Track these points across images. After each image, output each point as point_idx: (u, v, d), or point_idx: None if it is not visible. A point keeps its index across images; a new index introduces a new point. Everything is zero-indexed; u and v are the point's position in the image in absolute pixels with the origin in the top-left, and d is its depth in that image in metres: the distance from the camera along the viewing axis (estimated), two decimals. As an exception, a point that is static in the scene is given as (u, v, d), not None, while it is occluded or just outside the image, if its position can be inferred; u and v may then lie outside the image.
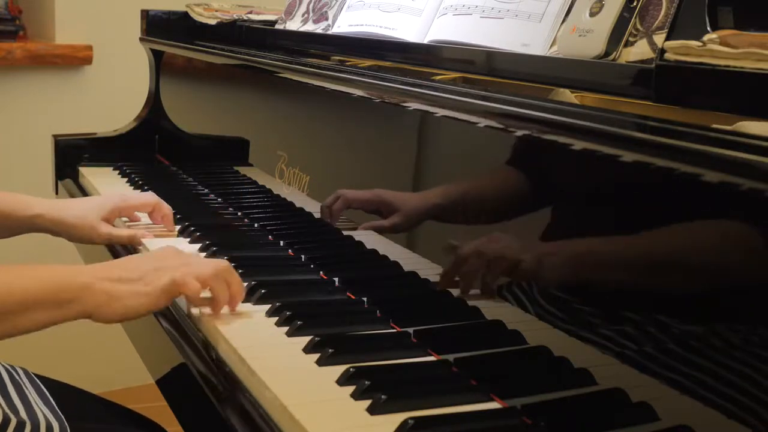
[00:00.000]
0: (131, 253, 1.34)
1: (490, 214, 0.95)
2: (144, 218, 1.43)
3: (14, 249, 2.38)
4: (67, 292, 0.95)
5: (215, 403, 0.89)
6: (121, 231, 1.35)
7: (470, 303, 0.94)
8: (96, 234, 1.32)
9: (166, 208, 1.40)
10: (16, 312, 0.92)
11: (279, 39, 1.59)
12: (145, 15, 1.98)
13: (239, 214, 1.50)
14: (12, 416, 1.03)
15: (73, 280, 0.96)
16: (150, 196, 1.43)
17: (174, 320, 1.07)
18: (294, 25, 1.60)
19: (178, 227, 1.40)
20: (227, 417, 0.87)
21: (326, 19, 1.50)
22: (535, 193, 0.88)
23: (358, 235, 1.16)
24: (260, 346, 0.95)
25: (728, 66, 0.73)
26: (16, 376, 1.16)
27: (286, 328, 0.99)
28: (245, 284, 1.11)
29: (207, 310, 1.03)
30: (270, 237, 1.36)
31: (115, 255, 1.36)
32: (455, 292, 0.97)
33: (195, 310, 1.03)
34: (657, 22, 0.87)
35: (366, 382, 0.83)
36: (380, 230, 1.10)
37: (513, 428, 0.79)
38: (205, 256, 1.25)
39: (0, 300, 0.91)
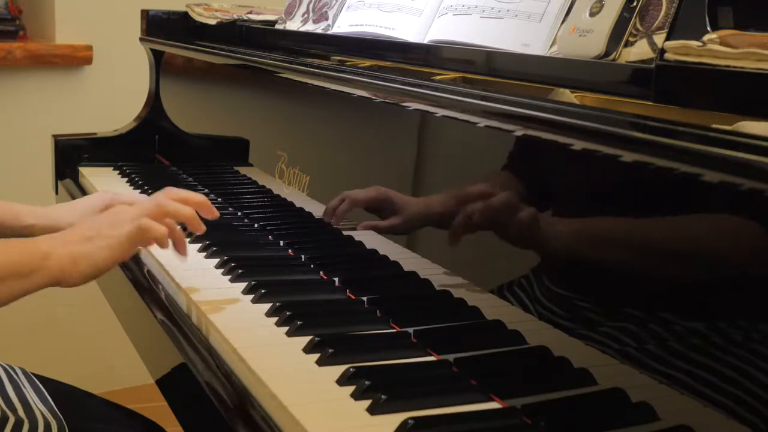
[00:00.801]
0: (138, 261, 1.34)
1: (490, 215, 0.95)
2: None
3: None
4: (28, 263, 0.97)
5: (215, 403, 0.89)
6: None
7: (470, 303, 0.95)
8: None
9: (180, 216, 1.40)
10: None
11: (279, 39, 1.59)
12: (145, 15, 1.98)
13: (239, 214, 1.50)
14: (10, 414, 1.03)
15: (34, 250, 0.98)
16: (141, 196, 1.43)
17: (174, 320, 1.07)
18: (294, 25, 1.60)
19: (177, 227, 1.39)
20: (227, 417, 0.87)
21: (326, 19, 1.50)
22: (534, 193, 0.88)
23: (358, 235, 1.16)
24: (260, 345, 0.95)
25: (728, 66, 0.73)
26: (15, 376, 1.16)
27: (286, 328, 0.99)
28: (245, 284, 1.11)
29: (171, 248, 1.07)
30: (270, 237, 1.36)
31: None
32: (455, 291, 0.97)
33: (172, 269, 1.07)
34: (657, 22, 0.87)
35: (366, 382, 0.83)
36: (379, 230, 1.10)
37: (513, 428, 0.79)
38: (205, 257, 1.25)
39: None
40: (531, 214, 0.86)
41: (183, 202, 1.08)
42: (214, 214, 1.12)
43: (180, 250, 1.09)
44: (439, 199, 1.03)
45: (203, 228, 1.09)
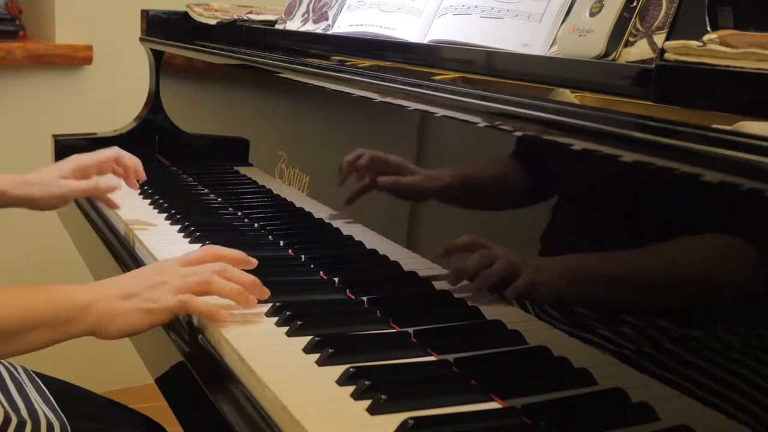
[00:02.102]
0: (134, 257, 1.34)
1: (491, 216, 0.95)
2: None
3: (18, 257, 2.39)
4: (68, 311, 0.95)
5: (215, 403, 0.89)
6: (79, 183, 1.38)
7: (470, 303, 0.94)
8: (56, 196, 1.36)
9: (129, 159, 1.41)
10: (17, 333, 0.93)
11: (279, 39, 1.59)
12: (145, 15, 1.98)
13: (239, 214, 1.50)
14: (13, 415, 1.03)
15: (74, 299, 0.96)
16: (109, 150, 1.44)
17: (173, 320, 1.07)
18: (294, 25, 1.60)
19: (177, 227, 1.40)
20: (227, 417, 0.87)
21: (326, 19, 1.50)
22: (534, 193, 0.88)
23: (358, 235, 1.16)
24: (260, 345, 0.95)
25: (728, 66, 0.73)
26: (17, 375, 1.16)
27: (286, 328, 0.99)
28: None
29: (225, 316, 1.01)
30: (270, 237, 1.36)
31: (117, 257, 1.36)
32: (455, 292, 0.97)
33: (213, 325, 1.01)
34: (657, 22, 0.87)
35: (366, 382, 0.83)
36: (399, 186, 1.08)
37: (513, 428, 0.79)
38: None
39: (3, 319, 0.92)
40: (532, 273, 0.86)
41: (221, 259, 1.04)
42: (251, 263, 1.07)
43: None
44: (449, 172, 1.02)
45: (266, 294, 1.05)
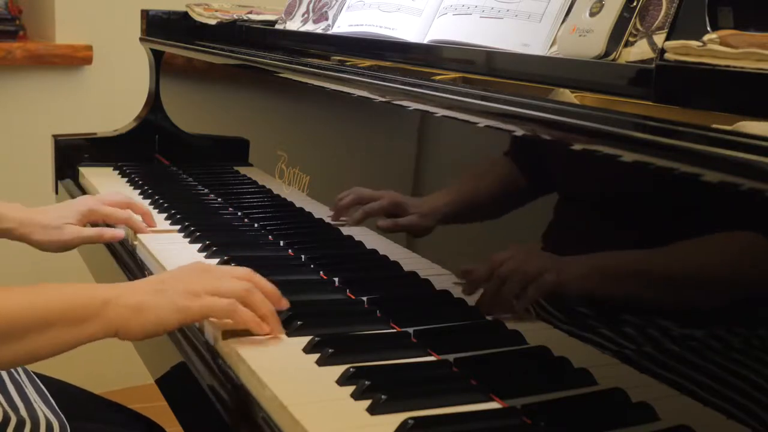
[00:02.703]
0: (136, 259, 1.34)
1: (491, 216, 0.95)
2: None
3: (17, 258, 2.38)
4: (83, 308, 0.91)
5: (215, 403, 0.89)
6: (88, 231, 1.35)
7: (470, 303, 0.94)
8: (59, 243, 1.33)
9: (139, 208, 1.40)
10: (35, 330, 0.88)
11: (279, 39, 1.59)
12: (145, 15, 1.98)
13: (239, 214, 1.50)
14: (12, 414, 1.03)
15: (91, 295, 0.92)
16: (120, 202, 1.41)
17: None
18: (294, 25, 1.60)
19: (177, 227, 1.40)
20: (227, 417, 0.87)
21: (326, 19, 1.50)
22: (533, 193, 0.88)
23: (358, 235, 1.16)
24: (260, 345, 0.95)
25: (728, 66, 0.73)
26: (16, 375, 1.16)
27: (286, 329, 0.98)
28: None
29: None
30: (270, 237, 1.36)
31: (119, 260, 1.36)
32: (455, 292, 0.97)
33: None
34: (657, 22, 0.87)
35: (366, 382, 0.83)
36: (399, 227, 1.08)
37: (513, 428, 0.79)
38: (205, 257, 1.25)
39: (20, 317, 0.88)
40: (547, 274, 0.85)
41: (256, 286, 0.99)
42: (282, 304, 1.01)
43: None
44: (442, 197, 1.02)
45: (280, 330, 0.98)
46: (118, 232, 1.36)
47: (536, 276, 0.85)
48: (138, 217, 1.40)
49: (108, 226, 1.39)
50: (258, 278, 1.00)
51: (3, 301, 0.88)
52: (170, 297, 0.93)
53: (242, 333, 0.96)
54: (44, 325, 0.89)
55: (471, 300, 0.94)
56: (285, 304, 1.00)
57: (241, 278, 0.98)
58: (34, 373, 1.20)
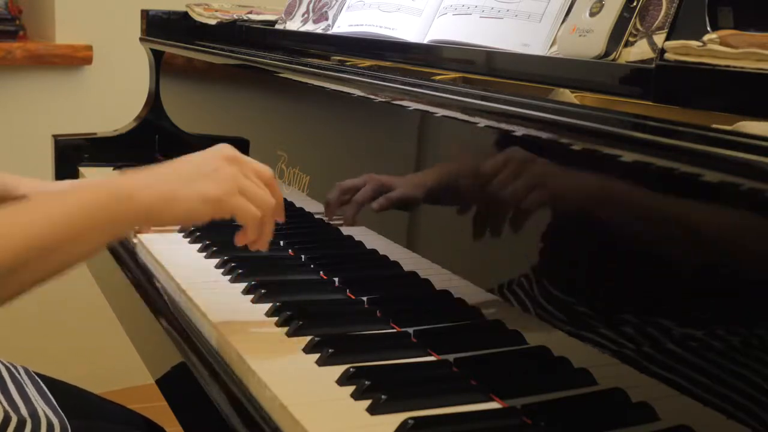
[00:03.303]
0: (131, 260, 1.34)
1: (491, 216, 0.95)
2: None
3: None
4: (110, 209, 0.87)
5: (215, 403, 0.89)
6: None
7: (470, 303, 0.95)
8: None
9: None
10: (65, 241, 0.85)
11: (279, 39, 1.59)
12: (145, 15, 1.98)
13: (239, 214, 1.50)
14: (13, 414, 1.03)
15: (116, 193, 0.88)
16: None
17: (173, 319, 1.07)
18: (294, 25, 1.60)
19: (177, 227, 1.40)
20: (227, 417, 0.87)
21: (326, 19, 1.50)
22: (533, 193, 0.88)
23: (358, 235, 1.16)
24: (260, 345, 0.95)
25: (728, 66, 0.73)
26: (17, 375, 1.16)
27: (286, 328, 0.99)
28: (245, 284, 1.11)
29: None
30: (270, 237, 1.36)
31: (120, 260, 1.36)
32: (455, 292, 0.97)
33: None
34: (657, 22, 0.87)
35: (366, 382, 0.83)
36: (390, 201, 1.08)
37: (513, 428, 0.79)
38: (205, 257, 1.25)
39: (50, 231, 0.84)
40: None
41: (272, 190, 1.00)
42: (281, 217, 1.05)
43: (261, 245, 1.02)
44: (433, 174, 1.02)
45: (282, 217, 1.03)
46: None
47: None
48: None
49: None
50: (276, 187, 1.01)
51: (36, 214, 0.86)
52: (203, 188, 0.92)
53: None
54: (71, 237, 0.86)
55: (470, 300, 0.94)
56: (283, 218, 1.04)
57: (265, 181, 0.98)
58: (35, 372, 1.21)
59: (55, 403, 1.12)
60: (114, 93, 2.48)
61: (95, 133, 1.98)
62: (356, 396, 0.82)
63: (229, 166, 0.95)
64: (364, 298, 1.08)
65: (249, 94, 1.62)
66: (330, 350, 0.91)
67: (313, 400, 0.82)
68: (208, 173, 0.93)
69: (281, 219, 1.03)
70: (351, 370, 0.86)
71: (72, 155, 1.91)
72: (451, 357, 0.91)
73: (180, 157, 0.98)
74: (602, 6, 0.92)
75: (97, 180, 0.92)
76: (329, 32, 1.45)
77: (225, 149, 0.98)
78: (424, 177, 1.04)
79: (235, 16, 1.80)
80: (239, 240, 1.00)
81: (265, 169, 1.00)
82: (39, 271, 0.85)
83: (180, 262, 1.19)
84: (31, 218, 0.85)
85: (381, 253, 1.11)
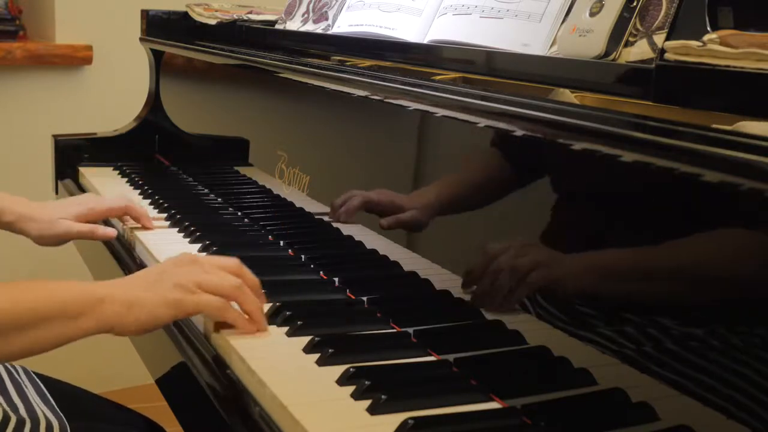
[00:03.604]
0: (128, 251, 1.34)
1: (491, 216, 0.95)
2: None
3: (15, 256, 2.39)
4: (79, 304, 0.92)
5: (215, 403, 0.89)
6: (77, 226, 1.37)
7: (470, 303, 0.94)
8: (53, 236, 1.35)
9: (136, 211, 1.40)
10: (22, 328, 0.89)
11: (279, 39, 1.59)
12: (145, 15, 1.98)
13: (239, 214, 1.50)
14: (12, 414, 1.03)
15: (86, 291, 0.93)
16: (119, 203, 1.42)
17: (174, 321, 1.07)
18: (294, 25, 1.60)
19: (177, 227, 1.40)
20: (227, 417, 0.87)
21: (326, 19, 1.50)
22: (534, 194, 0.88)
23: (358, 235, 1.16)
24: (260, 345, 0.95)
25: (728, 66, 0.73)
26: (16, 375, 1.16)
27: (286, 328, 0.98)
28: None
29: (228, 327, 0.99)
30: (270, 237, 1.36)
31: (118, 258, 1.36)
32: (455, 292, 0.97)
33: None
34: (657, 22, 0.87)
35: (366, 382, 0.83)
36: (400, 223, 1.08)
37: (513, 428, 0.79)
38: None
39: (19, 311, 0.89)
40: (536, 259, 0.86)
41: (242, 278, 1.00)
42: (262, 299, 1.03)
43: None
44: (436, 189, 1.02)
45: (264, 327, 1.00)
46: (111, 231, 1.38)
47: (533, 271, 0.85)
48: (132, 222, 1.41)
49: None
50: (245, 271, 1.01)
51: (2, 296, 0.90)
52: (162, 292, 0.95)
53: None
54: (42, 320, 0.90)
55: (471, 299, 0.94)
56: (263, 299, 1.02)
57: (230, 271, 0.99)
58: (34, 372, 1.21)
59: (54, 403, 1.12)
60: (114, 93, 2.48)
61: (95, 133, 1.98)
62: (356, 396, 0.82)
63: (188, 267, 0.98)
64: (364, 298, 1.08)
65: (249, 94, 1.62)
66: (330, 350, 0.91)
67: (313, 400, 0.82)
68: (165, 279, 0.96)
69: (262, 300, 1.02)
70: (351, 370, 0.86)
71: (72, 155, 1.92)
72: (451, 357, 0.90)
73: (143, 269, 1.03)
74: (602, 6, 0.92)
75: (79, 282, 0.96)
76: (329, 32, 1.45)
77: (184, 256, 1.02)
78: (428, 194, 1.03)
79: (235, 16, 1.80)
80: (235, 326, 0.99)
81: (230, 261, 1.01)
82: (5, 346, 0.89)
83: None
84: (19, 293, 0.91)
85: (381, 253, 1.11)
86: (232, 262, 1.01)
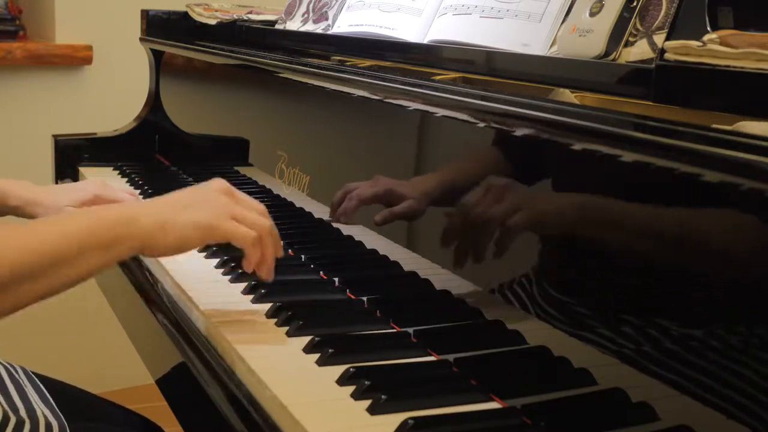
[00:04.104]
0: (132, 259, 1.34)
1: (491, 216, 0.95)
2: None
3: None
4: (116, 229, 0.92)
5: (215, 403, 0.89)
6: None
7: (470, 303, 0.95)
8: None
9: None
10: (71, 257, 0.90)
11: (279, 39, 1.59)
12: (145, 15, 1.98)
13: (239, 214, 1.50)
14: (12, 415, 1.03)
15: (119, 216, 0.93)
16: (124, 193, 1.42)
17: (174, 320, 1.07)
18: (294, 25, 1.60)
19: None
20: (227, 417, 0.87)
21: (326, 19, 1.50)
22: (534, 194, 0.88)
23: (358, 235, 1.16)
24: (260, 345, 0.95)
25: (728, 66, 0.73)
26: (15, 375, 1.16)
27: (286, 328, 0.99)
28: (245, 284, 1.11)
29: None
30: (270, 237, 1.36)
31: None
32: (455, 291, 0.97)
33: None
34: (657, 22, 0.87)
35: (366, 382, 0.83)
36: (395, 215, 1.08)
37: (513, 428, 0.79)
38: (205, 257, 1.25)
39: (57, 246, 0.89)
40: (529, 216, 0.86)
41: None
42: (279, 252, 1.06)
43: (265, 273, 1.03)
44: (441, 177, 1.03)
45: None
46: None
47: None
48: None
49: None
50: (271, 221, 1.02)
51: (40, 234, 0.90)
52: (195, 215, 0.95)
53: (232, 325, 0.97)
54: (78, 252, 0.90)
55: (470, 300, 0.94)
56: (281, 253, 1.03)
57: (259, 213, 1.00)
58: (34, 373, 1.21)
59: (53, 403, 1.12)
60: (114, 93, 2.48)
61: (95, 133, 1.98)
62: (356, 396, 0.82)
63: (222, 196, 0.99)
64: (364, 298, 1.08)
65: (249, 94, 1.62)
66: (330, 350, 0.91)
67: (313, 400, 0.82)
68: (200, 203, 0.97)
69: (279, 254, 1.03)
70: (351, 370, 0.86)
71: (72, 155, 1.92)
72: (451, 357, 0.90)
73: (176, 190, 1.02)
74: (602, 6, 0.92)
75: (105, 206, 0.95)
76: (329, 32, 1.45)
77: (218, 183, 1.02)
78: (425, 182, 1.04)
79: (235, 16, 1.80)
80: (245, 265, 1.01)
81: (259, 204, 1.02)
82: (42, 285, 0.89)
83: (180, 261, 1.18)
84: (47, 230, 0.92)
85: (381, 253, 1.11)
86: (262, 206, 1.02)
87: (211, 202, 0.97)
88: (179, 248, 0.96)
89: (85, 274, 0.92)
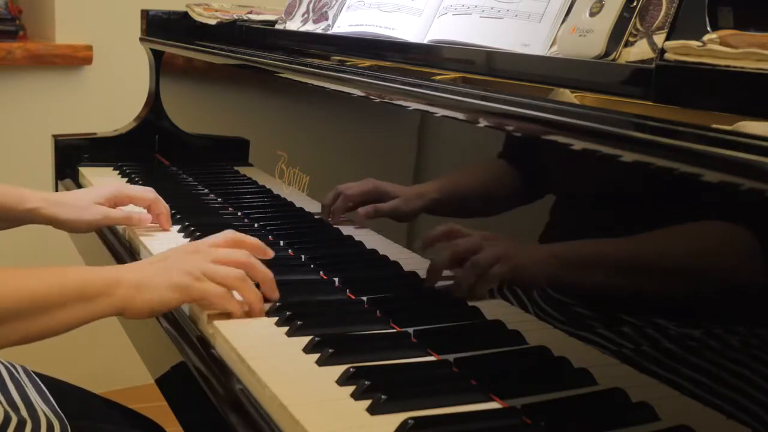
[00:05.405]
0: (130, 253, 1.34)
1: (489, 215, 0.95)
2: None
3: (13, 242, 2.39)
4: (93, 287, 0.95)
5: (215, 403, 0.89)
6: (116, 212, 1.36)
7: (470, 303, 0.94)
8: (88, 222, 1.34)
9: (163, 207, 1.40)
10: (42, 310, 0.93)
11: (279, 39, 1.59)
12: (145, 15, 1.98)
13: (239, 214, 1.50)
14: (13, 414, 1.03)
15: (103, 274, 0.97)
16: (148, 192, 1.42)
17: (174, 320, 1.07)
18: (294, 25, 1.60)
19: (177, 227, 1.40)
20: (227, 417, 0.87)
21: (326, 19, 1.50)
22: (534, 193, 0.88)
23: (358, 235, 1.16)
24: (260, 345, 0.95)
25: (728, 66, 0.73)
26: (16, 374, 1.16)
27: (286, 328, 0.99)
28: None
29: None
30: (270, 237, 1.36)
31: (117, 256, 1.36)
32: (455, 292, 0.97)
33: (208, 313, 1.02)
34: (657, 22, 0.87)
35: (366, 382, 0.83)
36: (379, 212, 1.09)
37: (513, 428, 0.79)
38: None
39: (39, 295, 0.93)
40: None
41: (242, 246, 1.06)
42: (267, 254, 1.09)
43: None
44: (433, 185, 1.03)
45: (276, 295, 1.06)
46: (146, 215, 1.37)
47: (539, 269, 0.86)
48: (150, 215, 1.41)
49: None
50: (253, 262, 1.04)
51: (23, 280, 0.94)
52: (172, 277, 0.98)
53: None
54: (59, 304, 0.94)
55: (470, 300, 0.94)
56: (270, 253, 1.08)
57: (239, 263, 1.03)
58: (35, 373, 1.21)
59: (54, 403, 1.12)
60: (114, 93, 2.48)
61: (95, 133, 1.98)
62: (356, 396, 0.82)
63: (192, 256, 1.02)
64: (364, 298, 1.08)
65: (249, 94, 1.62)
66: (330, 350, 0.91)
67: (313, 400, 0.82)
68: (175, 264, 1.00)
69: (273, 296, 1.05)
70: (351, 370, 0.86)
71: (72, 155, 1.91)
72: (451, 357, 0.91)
73: (152, 256, 1.08)
74: (602, 6, 0.92)
75: (90, 267, 1.02)
76: (329, 32, 1.45)
77: (192, 244, 1.07)
78: (424, 185, 1.04)
79: (235, 16, 1.80)
80: (234, 316, 1.02)
81: (239, 253, 1.04)
82: (24, 328, 0.94)
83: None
84: (39, 277, 0.96)
85: (381, 253, 1.11)
86: (241, 253, 1.04)
87: (183, 263, 1.00)
88: (158, 310, 0.99)
89: (61, 328, 0.96)
